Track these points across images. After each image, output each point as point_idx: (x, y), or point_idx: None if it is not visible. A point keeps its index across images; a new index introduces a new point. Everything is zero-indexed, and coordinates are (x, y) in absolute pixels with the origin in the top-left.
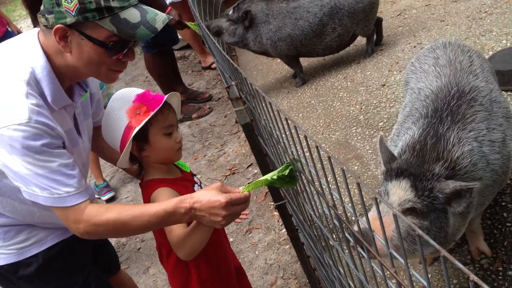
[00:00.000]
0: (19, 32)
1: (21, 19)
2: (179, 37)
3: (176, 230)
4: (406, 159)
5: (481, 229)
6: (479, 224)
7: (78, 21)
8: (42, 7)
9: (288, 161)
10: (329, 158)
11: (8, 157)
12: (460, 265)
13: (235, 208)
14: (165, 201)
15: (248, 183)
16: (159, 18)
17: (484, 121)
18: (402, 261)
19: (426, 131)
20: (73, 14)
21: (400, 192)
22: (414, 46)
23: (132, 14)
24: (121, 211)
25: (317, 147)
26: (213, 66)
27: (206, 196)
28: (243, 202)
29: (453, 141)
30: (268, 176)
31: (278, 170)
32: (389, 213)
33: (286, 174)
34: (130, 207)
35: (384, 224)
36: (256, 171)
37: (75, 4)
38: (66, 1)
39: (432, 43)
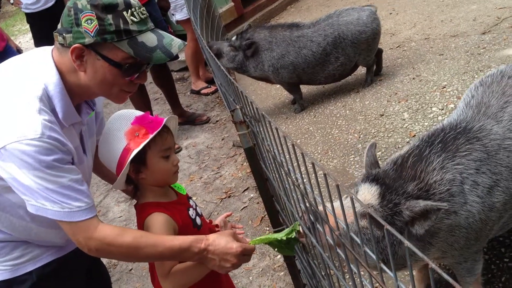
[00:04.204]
0: (17, 48)
1: (20, 34)
2: (179, 58)
3: (168, 262)
4: (386, 170)
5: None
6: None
7: (96, 42)
8: (59, 26)
9: (295, 224)
10: (337, 186)
11: (18, 171)
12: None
13: (243, 258)
14: (181, 236)
15: (256, 238)
16: (175, 43)
17: (477, 161)
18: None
19: (412, 150)
20: (92, 35)
21: (367, 195)
22: (413, 78)
23: (149, 38)
24: (137, 236)
25: (325, 174)
26: (203, 91)
27: (222, 241)
28: (250, 254)
29: (434, 165)
30: (278, 236)
31: (285, 232)
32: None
33: (292, 237)
34: (144, 234)
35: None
36: (252, 195)
37: (95, 26)
38: (86, 22)
39: (493, 69)
